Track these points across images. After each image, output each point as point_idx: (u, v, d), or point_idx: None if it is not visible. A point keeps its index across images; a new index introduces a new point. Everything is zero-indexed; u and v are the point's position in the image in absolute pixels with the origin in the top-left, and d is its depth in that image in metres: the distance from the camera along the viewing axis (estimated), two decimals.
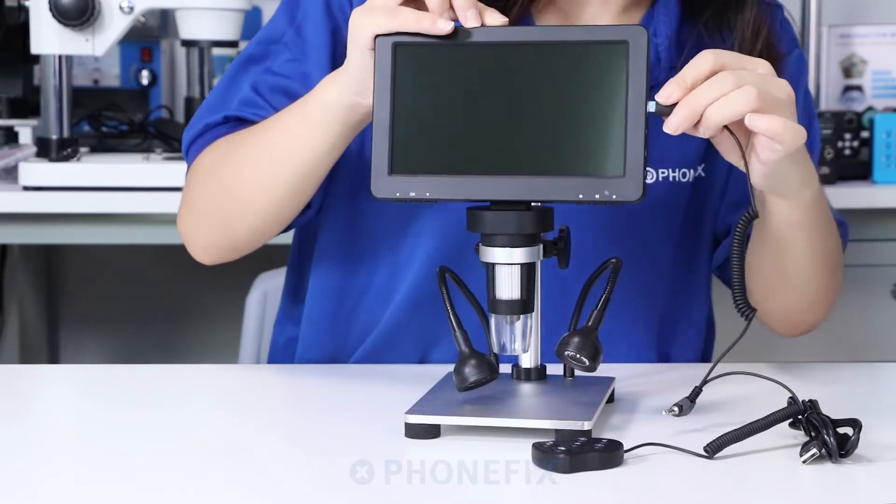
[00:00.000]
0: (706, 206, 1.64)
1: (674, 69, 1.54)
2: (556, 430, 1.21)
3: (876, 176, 2.65)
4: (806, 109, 1.65)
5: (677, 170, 1.58)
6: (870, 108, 2.81)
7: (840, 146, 2.67)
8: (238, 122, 1.55)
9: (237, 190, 1.50)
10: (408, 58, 1.26)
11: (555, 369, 1.34)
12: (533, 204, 1.26)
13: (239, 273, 2.69)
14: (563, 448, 1.14)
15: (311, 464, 1.18)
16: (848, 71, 2.93)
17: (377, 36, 1.27)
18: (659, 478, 1.14)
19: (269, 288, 2.04)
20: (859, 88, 2.93)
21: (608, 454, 1.15)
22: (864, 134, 2.69)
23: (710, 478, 1.15)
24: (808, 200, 1.40)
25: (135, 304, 3.32)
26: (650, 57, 1.23)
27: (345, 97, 1.37)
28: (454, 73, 1.26)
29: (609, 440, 1.17)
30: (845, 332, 2.63)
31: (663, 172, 1.57)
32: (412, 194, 1.25)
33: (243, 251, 1.56)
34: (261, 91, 1.55)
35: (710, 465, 1.17)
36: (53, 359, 3.29)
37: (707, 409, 1.32)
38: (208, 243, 1.57)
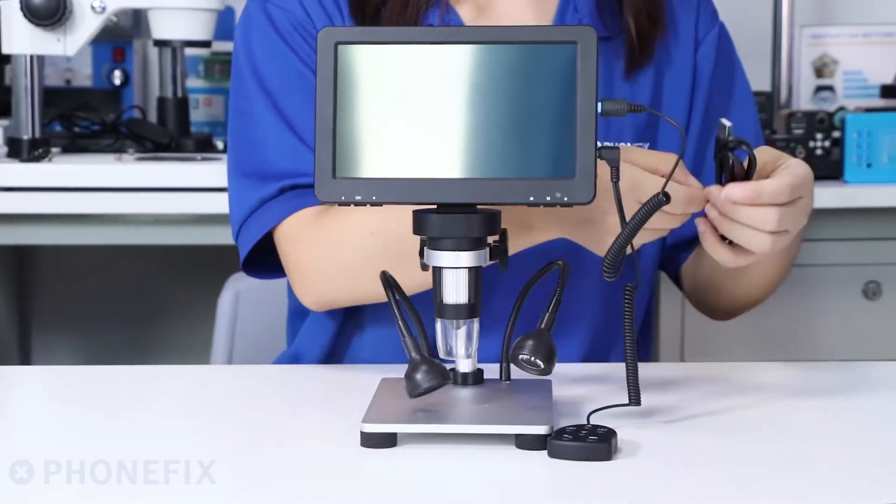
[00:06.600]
0: None
1: (600, 40, 1.57)
2: (517, 436, 1.20)
3: (847, 176, 2.66)
4: (742, 81, 1.69)
5: (612, 143, 1.59)
6: (841, 108, 2.81)
7: (812, 146, 2.68)
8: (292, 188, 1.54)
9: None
10: (351, 58, 1.23)
11: (489, 373, 1.32)
12: (479, 206, 1.24)
13: (211, 273, 2.68)
14: (594, 437, 1.16)
15: (277, 465, 1.18)
16: (820, 71, 2.94)
17: (320, 32, 1.24)
18: (637, 470, 1.15)
19: (241, 288, 2.04)
20: (831, 88, 2.94)
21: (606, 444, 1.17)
22: (836, 134, 2.70)
23: (710, 475, 1.15)
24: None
25: (107, 304, 3.31)
26: (599, 56, 1.22)
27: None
28: (399, 73, 1.23)
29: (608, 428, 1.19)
30: (817, 332, 2.64)
31: None
32: (357, 198, 1.23)
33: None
34: (291, 147, 1.54)
35: (702, 463, 1.17)
36: (25, 360, 3.27)
37: (673, 407, 1.32)
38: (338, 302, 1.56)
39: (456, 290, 1.25)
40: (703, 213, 1.37)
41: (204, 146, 2.76)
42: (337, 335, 1.62)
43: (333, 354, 1.63)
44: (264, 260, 1.59)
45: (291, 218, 1.52)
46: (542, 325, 1.27)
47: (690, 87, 1.65)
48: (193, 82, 2.97)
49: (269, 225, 1.54)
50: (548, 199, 1.21)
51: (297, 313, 1.70)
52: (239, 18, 1.63)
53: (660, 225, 1.33)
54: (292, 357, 1.67)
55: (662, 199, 1.24)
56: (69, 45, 2.53)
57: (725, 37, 1.70)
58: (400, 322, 1.25)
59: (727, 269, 1.57)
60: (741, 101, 1.69)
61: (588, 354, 1.61)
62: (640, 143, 1.62)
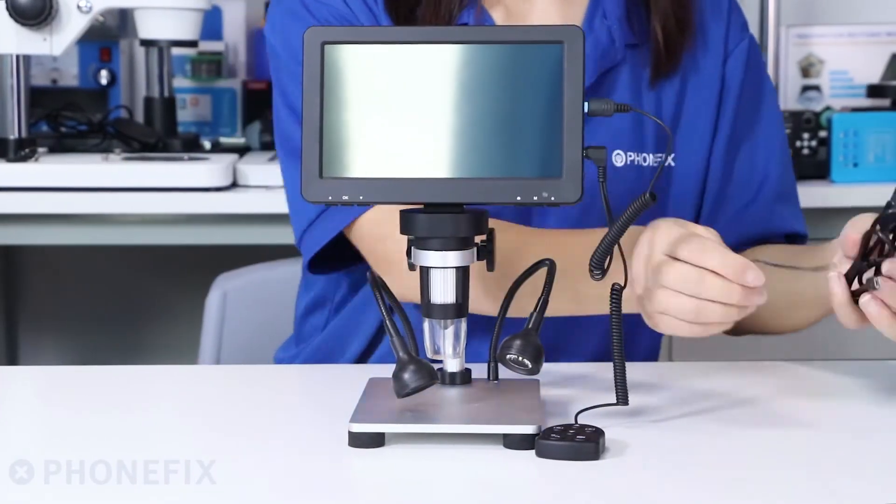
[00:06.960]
0: (680, 196, 1.63)
1: (628, 47, 1.56)
2: (505, 436, 1.20)
3: (834, 175, 2.66)
4: (770, 97, 1.67)
5: (635, 153, 1.59)
6: (827, 108, 2.82)
7: (798, 146, 2.69)
8: None
9: None
10: (338, 58, 1.23)
11: (477, 373, 1.32)
12: (466, 206, 1.24)
13: (199, 273, 2.68)
14: (582, 436, 1.16)
15: (261, 467, 1.18)
16: (806, 71, 2.95)
17: (306, 32, 1.24)
18: (625, 470, 1.15)
19: (228, 288, 2.04)
20: (817, 88, 2.95)
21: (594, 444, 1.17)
22: (822, 133, 2.70)
23: (697, 474, 1.15)
24: None
25: (94, 304, 3.30)
26: (585, 53, 1.22)
27: None
28: (387, 73, 1.23)
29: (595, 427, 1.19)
30: (804, 332, 2.64)
31: (617, 154, 1.58)
32: (345, 198, 1.23)
33: None
34: None
35: (690, 462, 1.17)
36: (12, 360, 3.27)
37: (661, 407, 1.32)
38: None
39: (443, 290, 1.25)
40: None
41: (191, 146, 2.76)
42: (374, 334, 1.62)
43: (368, 352, 1.62)
44: (322, 256, 1.56)
45: (371, 212, 1.51)
46: (530, 325, 1.27)
47: (717, 98, 1.63)
48: (180, 82, 2.97)
49: (345, 221, 1.51)
50: (535, 199, 1.21)
51: (313, 308, 1.69)
52: (270, 10, 1.60)
53: (715, 318, 1.25)
54: (324, 353, 1.65)
55: (649, 199, 1.24)
56: (55, 44, 2.53)
57: (755, 50, 1.67)
58: (387, 321, 1.25)
59: (776, 309, 1.53)
60: (768, 119, 1.66)
61: (592, 346, 1.60)
62: (660, 153, 1.60)
